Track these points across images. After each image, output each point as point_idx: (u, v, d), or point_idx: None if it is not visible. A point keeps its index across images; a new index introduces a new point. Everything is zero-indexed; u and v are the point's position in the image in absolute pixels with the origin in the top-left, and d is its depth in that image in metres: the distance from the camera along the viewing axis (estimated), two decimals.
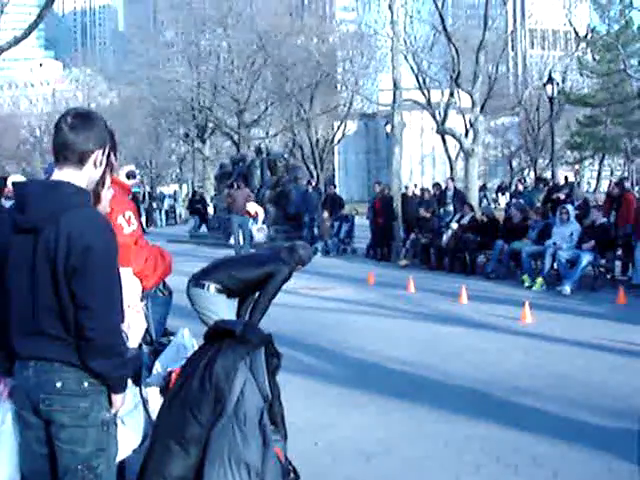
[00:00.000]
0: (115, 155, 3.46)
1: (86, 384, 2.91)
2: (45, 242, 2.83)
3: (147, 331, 4.90)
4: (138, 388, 3.86)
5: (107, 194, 3.33)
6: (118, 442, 3.15)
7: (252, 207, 19.82)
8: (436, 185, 21.60)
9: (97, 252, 2.84)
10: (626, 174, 53.42)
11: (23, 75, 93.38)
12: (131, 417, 3.48)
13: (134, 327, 4.12)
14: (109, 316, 2.91)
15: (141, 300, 4.23)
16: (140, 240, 4.20)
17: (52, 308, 2.86)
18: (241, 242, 19.09)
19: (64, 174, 2.96)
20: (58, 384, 2.88)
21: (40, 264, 2.85)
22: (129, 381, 3.34)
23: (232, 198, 19.81)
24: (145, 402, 4.05)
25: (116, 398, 3.01)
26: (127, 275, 3.83)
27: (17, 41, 21.30)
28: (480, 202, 26.25)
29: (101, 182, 3.17)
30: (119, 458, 3.42)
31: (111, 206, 3.53)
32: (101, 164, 3.03)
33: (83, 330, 2.83)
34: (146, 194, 40.75)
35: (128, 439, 3.44)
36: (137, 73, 48.93)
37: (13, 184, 3.05)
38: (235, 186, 21.05)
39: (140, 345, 4.09)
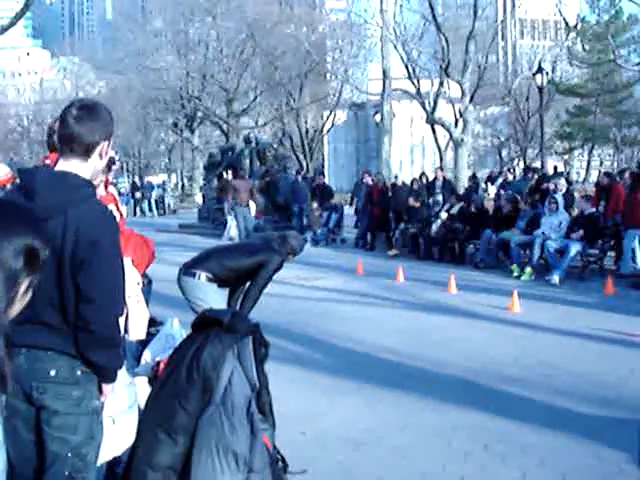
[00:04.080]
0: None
1: (79, 372, 2.92)
2: (51, 233, 2.82)
3: None
4: (135, 388, 3.84)
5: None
6: (108, 441, 3.15)
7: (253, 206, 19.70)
8: (423, 175, 21.61)
9: (104, 245, 2.86)
10: (615, 164, 53.59)
11: (10, 64, 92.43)
12: (124, 417, 3.47)
13: (137, 317, 4.11)
14: (111, 309, 2.94)
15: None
16: (125, 231, 4.20)
17: (52, 298, 2.87)
18: (242, 232, 18.75)
19: (70, 165, 2.96)
20: (52, 372, 2.89)
21: None
22: (128, 381, 3.33)
23: (235, 188, 19.41)
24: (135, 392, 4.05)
25: (106, 387, 3.03)
26: (127, 265, 3.83)
27: (4, 30, 21.19)
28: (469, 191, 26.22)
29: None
30: (109, 457, 3.41)
31: None
32: (106, 154, 3.04)
33: (85, 322, 2.85)
34: (135, 183, 40.59)
35: (119, 438, 3.43)
36: (125, 62, 48.71)
37: (19, 171, 3.03)
38: (232, 176, 20.82)
39: (124, 335, 4.08)
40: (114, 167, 4.07)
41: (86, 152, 2.96)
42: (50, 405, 2.91)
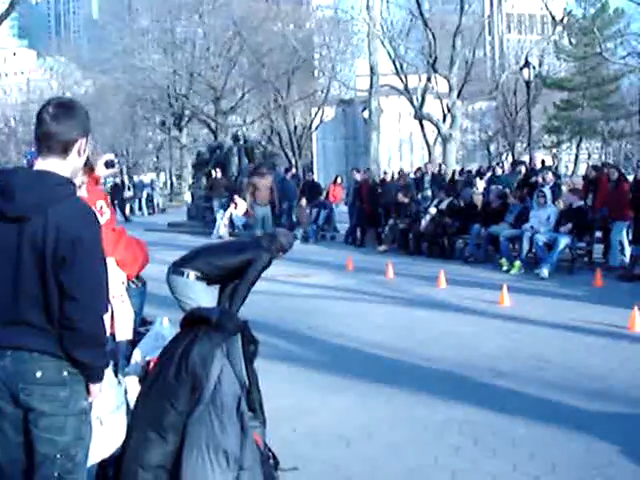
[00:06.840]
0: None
1: (65, 373, 2.91)
2: (32, 232, 2.83)
3: None
4: (123, 388, 3.83)
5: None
6: (97, 442, 3.14)
7: (239, 201, 18.65)
8: (418, 169, 21.64)
9: (86, 243, 2.84)
10: (603, 157, 53.80)
11: None
12: (112, 417, 3.46)
13: (122, 317, 4.10)
14: (96, 307, 2.92)
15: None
16: (117, 228, 4.19)
17: (36, 298, 2.86)
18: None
19: (48, 164, 2.94)
20: (38, 374, 2.87)
21: (25, 254, 2.84)
22: (115, 382, 3.31)
23: (255, 187, 17.02)
24: (124, 392, 4.03)
25: (94, 387, 3.02)
26: (110, 265, 3.82)
27: None
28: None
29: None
30: (98, 459, 3.39)
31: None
32: (84, 152, 3.03)
33: (70, 320, 2.84)
34: (125, 183, 40.43)
35: (107, 439, 3.42)
36: (112, 61, 48.50)
37: None
38: (220, 174, 20.42)
39: (113, 336, 4.07)
40: (112, 170, 4.07)
41: (64, 150, 2.95)
42: (37, 407, 2.90)
